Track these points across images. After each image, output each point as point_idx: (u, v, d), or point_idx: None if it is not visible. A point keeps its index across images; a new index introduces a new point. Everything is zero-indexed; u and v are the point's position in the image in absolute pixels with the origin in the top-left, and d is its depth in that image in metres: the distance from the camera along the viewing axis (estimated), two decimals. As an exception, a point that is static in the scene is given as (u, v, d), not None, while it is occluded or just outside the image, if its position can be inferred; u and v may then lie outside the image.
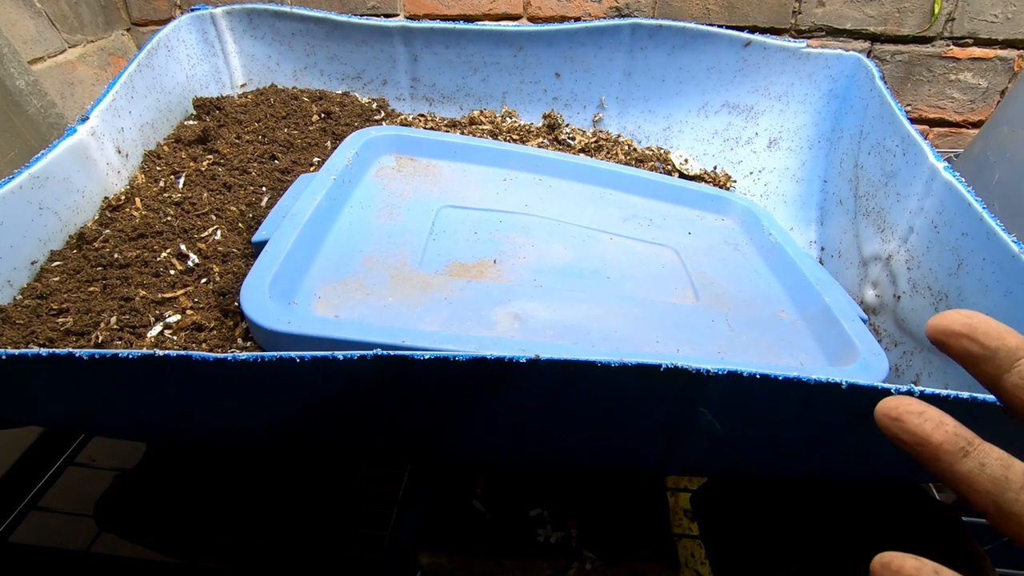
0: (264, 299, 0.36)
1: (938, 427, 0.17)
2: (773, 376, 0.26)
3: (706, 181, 0.65)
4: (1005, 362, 0.17)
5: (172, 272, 0.44)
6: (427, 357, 0.26)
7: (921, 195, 0.46)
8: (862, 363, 0.38)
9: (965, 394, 0.25)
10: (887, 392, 0.26)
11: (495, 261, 0.45)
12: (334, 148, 0.54)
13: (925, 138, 0.47)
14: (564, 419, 0.32)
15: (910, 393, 0.26)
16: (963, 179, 0.43)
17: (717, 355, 0.40)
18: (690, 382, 0.26)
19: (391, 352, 0.26)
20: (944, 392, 0.26)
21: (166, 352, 0.26)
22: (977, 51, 0.74)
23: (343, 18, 0.65)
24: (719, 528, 0.42)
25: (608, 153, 0.65)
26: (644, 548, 0.39)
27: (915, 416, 0.17)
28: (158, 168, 0.54)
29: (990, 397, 0.25)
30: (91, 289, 0.42)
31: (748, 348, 0.41)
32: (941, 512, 0.39)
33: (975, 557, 0.36)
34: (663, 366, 0.25)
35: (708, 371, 0.26)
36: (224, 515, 0.41)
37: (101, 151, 0.50)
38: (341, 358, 0.26)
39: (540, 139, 0.65)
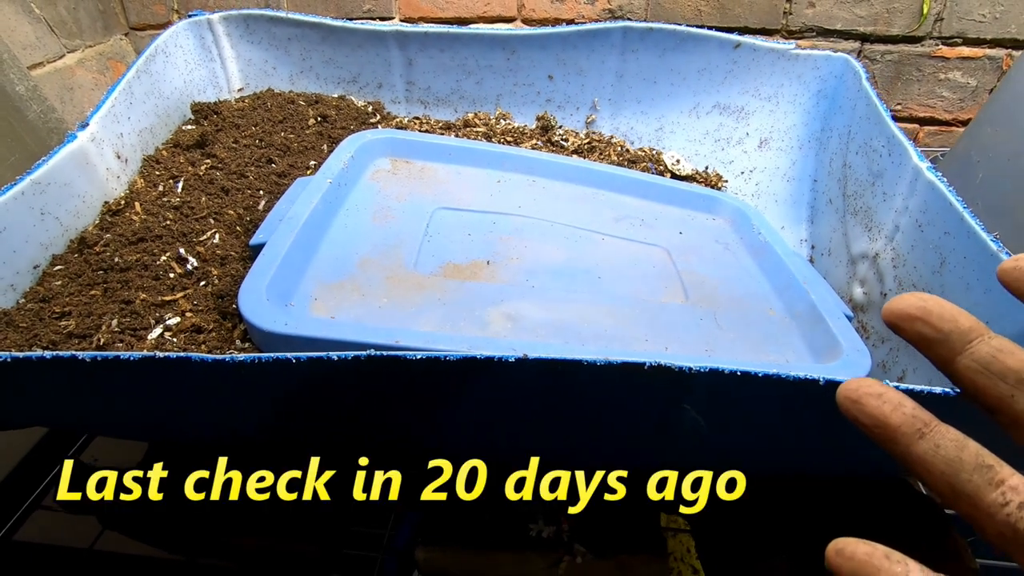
0: (262, 301, 0.37)
1: (896, 409, 0.17)
2: (753, 373, 0.26)
3: (698, 181, 0.66)
4: (958, 344, 0.17)
5: (172, 275, 0.45)
6: (419, 357, 0.26)
7: (906, 194, 0.47)
8: (845, 360, 0.39)
9: (952, 391, 0.26)
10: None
11: (488, 262, 0.46)
12: (330, 151, 0.54)
13: (915, 137, 0.48)
14: (554, 417, 0.33)
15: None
16: (946, 179, 0.43)
17: (705, 353, 0.41)
18: (673, 379, 0.27)
19: (384, 352, 0.26)
20: (927, 388, 0.26)
21: (166, 354, 0.27)
22: (966, 50, 0.75)
23: (338, 23, 0.66)
24: (708, 521, 0.43)
25: (601, 154, 0.66)
26: (634, 541, 0.40)
27: (874, 398, 0.18)
28: (157, 173, 0.55)
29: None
30: (92, 292, 0.43)
31: (736, 346, 0.42)
32: (924, 505, 0.39)
33: (957, 549, 0.37)
34: (647, 364, 0.26)
35: (690, 369, 0.26)
36: (225, 512, 0.42)
37: (101, 156, 0.51)
38: (336, 358, 0.27)
39: (534, 141, 0.66)
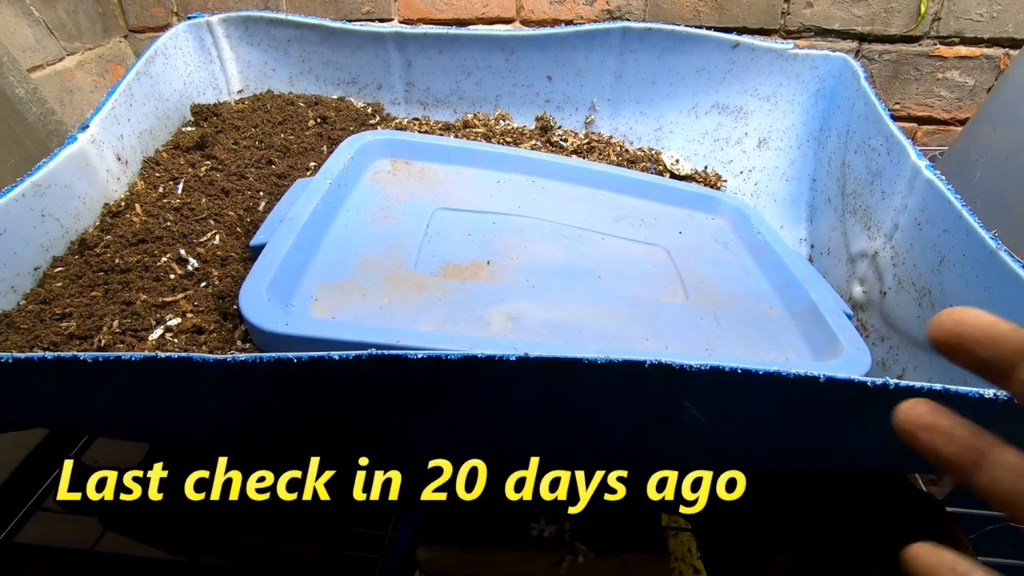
0: (262, 302, 0.37)
1: (949, 441, 0.17)
2: (753, 370, 0.27)
3: (697, 181, 0.66)
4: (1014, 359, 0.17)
5: (172, 276, 0.45)
6: (420, 356, 0.26)
7: (905, 193, 0.47)
8: (845, 358, 0.39)
9: (940, 386, 0.26)
10: (863, 385, 0.27)
11: (488, 262, 0.46)
12: (330, 153, 0.54)
13: (913, 136, 0.48)
14: (554, 417, 0.33)
15: (885, 387, 0.27)
16: (945, 177, 0.44)
17: (705, 351, 0.41)
18: (674, 377, 0.27)
19: (385, 352, 0.26)
20: (926, 385, 0.27)
21: (167, 354, 0.27)
22: (963, 50, 0.75)
23: (337, 24, 0.66)
24: (709, 520, 0.43)
25: (600, 154, 0.66)
26: (636, 541, 0.40)
27: (925, 432, 0.17)
28: (157, 174, 0.55)
29: (972, 390, 0.26)
30: (93, 294, 0.43)
31: (736, 344, 0.42)
32: (925, 502, 0.40)
33: (958, 546, 0.37)
34: (647, 362, 0.26)
35: (691, 366, 0.26)
36: (225, 513, 0.42)
37: (101, 158, 0.51)
38: (337, 358, 0.27)
39: (533, 141, 0.66)
